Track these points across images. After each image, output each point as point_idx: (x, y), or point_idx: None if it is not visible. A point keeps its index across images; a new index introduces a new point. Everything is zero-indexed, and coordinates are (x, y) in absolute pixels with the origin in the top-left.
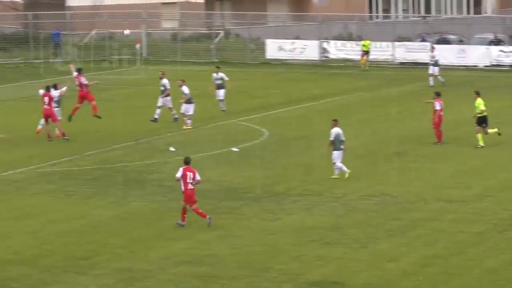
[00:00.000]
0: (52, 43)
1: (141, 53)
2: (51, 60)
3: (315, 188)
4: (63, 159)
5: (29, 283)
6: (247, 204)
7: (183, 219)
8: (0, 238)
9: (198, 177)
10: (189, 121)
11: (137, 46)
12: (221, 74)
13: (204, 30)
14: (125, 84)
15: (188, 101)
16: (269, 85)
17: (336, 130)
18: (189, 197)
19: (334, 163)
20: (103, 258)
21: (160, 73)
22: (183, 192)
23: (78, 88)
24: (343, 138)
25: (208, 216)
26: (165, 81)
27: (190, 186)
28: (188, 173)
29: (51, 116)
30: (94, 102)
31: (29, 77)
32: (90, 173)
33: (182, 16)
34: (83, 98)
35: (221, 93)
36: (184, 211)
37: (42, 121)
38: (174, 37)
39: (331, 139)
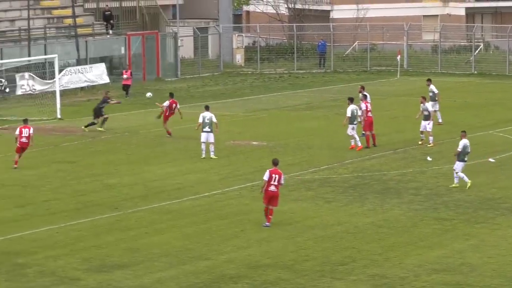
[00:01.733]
0: (317, 53)
1: (402, 65)
2: (314, 71)
3: None
4: (322, 167)
5: (287, 287)
6: (503, 214)
7: (268, 220)
8: (260, 243)
9: (282, 181)
10: (430, 138)
11: (398, 57)
12: (431, 87)
13: (464, 42)
14: (385, 95)
15: (427, 118)
16: None
17: (464, 142)
18: (269, 198)
19: (456, 172)
20: (359, 264)
21: (360, 87)
22: (264, 191)
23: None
24: (469, 150)
25: (269, 223)
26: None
27: (272, 188)
28: (274, 175)
29: (371, 125)
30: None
31: (291, 87)
32: (349, 181)
33: (443, 28)
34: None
35: (430, 105)
36: (266, 211)
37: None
38: (435, 49)
39: (459, 149)
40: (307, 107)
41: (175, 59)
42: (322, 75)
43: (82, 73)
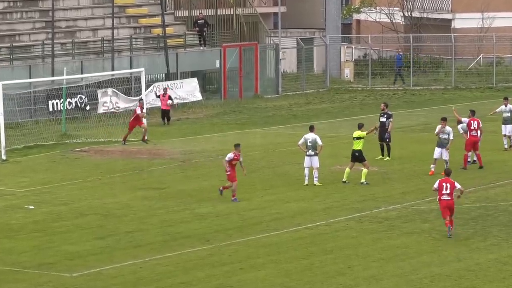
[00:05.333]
0: (396, 67)
1: None
2: (433, 87)
3: None
4: None
5: None
6: None
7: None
8: (368, 281)
9: (458, 186)
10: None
11: None
12: (509, 106)
13: None
14: None
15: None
16: None
17: None
18: (443, 208)
19: None
20: None
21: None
22: (438, 201)
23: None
24: None
25: (451, 230)
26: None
27: (444, 197)
28: (444, 184)
29: (475, 145)
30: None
31: (407, 105)
32: (470, 212)
33: None
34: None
35: (508, 128)
36: (447, 223)
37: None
38: None
39: None
40: (424, 128)
41: (276, 73)
42: (442, 92)
43: (171, 89)
